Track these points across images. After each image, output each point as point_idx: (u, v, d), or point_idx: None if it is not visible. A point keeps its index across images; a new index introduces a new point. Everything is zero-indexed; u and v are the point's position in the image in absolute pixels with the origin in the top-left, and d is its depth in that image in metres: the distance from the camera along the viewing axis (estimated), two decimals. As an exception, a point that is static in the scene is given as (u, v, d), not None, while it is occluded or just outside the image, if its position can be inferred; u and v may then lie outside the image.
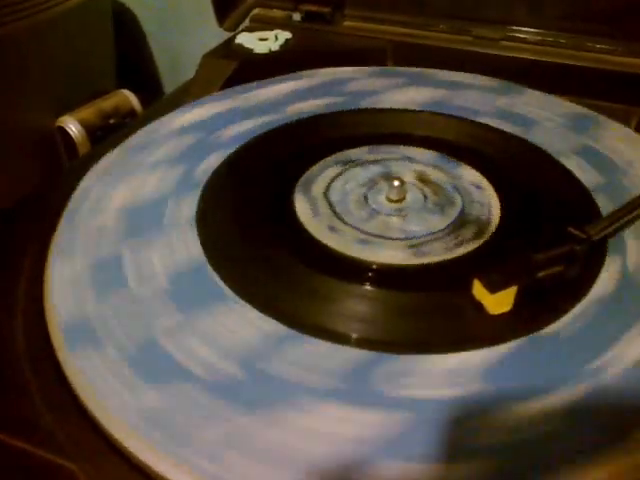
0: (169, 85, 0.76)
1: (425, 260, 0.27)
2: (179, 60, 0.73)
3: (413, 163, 0.33)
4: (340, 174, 0.33)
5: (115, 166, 0.33)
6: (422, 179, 0.32)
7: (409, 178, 0.32)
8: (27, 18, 0.53)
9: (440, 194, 0.31)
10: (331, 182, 0.32)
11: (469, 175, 0.32)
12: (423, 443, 0.19)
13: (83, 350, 0.23)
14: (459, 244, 0.28)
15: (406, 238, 0.28)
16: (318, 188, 0.32)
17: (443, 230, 0.29)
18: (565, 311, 0.24)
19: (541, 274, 0.24)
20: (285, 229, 0.29)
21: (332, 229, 0.29)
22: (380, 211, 0.30)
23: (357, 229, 0.29)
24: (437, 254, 0.27)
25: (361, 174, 0.33)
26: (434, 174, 0.32)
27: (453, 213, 0.30)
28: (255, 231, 0.29)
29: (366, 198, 0.31)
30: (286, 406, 0.21)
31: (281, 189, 0.32)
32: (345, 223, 0.29)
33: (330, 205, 0.30)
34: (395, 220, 0.29)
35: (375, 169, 0.33)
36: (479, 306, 0.24)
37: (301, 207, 0.30)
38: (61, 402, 0.22)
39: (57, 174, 0.44)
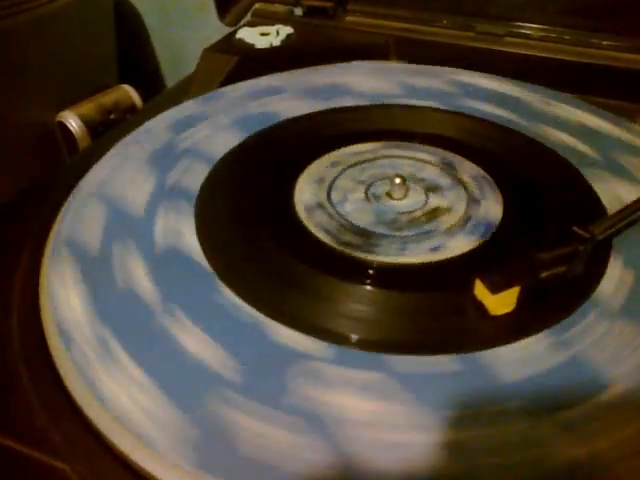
0: (171, 80, 0.76)
1: (311, 226, 0.28)
2: (181, 55, 0.72)
3: (469, 204, 0.30)
4: (398, 157, 0.33)
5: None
6: (437, 210, 0.29)
7: (436, 201, 0.30)
8: (28, 11, 0.52)
9: (422, 224, 0.28)
10: (377, 158, 0.33)
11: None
12: None
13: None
14: (345, 245, 0.27)
15: (331, 206, 0.29)
16: (357, 157, 0.33)
17: (361, 229, 0.28)
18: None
19: (544, 274, 0.24)
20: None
21: (321, 181, 0.31)
22: (365, 191, 0.30)
23: (329, 191, 0.30)
24: (321, 229, 0.28)
25: (415, 171, 0.32)
26: (456, 213, 0.29)
27: (398, 234, 0.28)
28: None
29: (377, 181, 0.31)
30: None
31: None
32: (332, 180, 0.31)
33: (341, 170, 0.32)
34: (357, 200, 0.30)
35: (441, 180, 0.31)
36: (480, 307, 0.24)
37: (321, 160, 0.32)
38: (55, 402, 0.22)
39: (57, 170, 0.44)
